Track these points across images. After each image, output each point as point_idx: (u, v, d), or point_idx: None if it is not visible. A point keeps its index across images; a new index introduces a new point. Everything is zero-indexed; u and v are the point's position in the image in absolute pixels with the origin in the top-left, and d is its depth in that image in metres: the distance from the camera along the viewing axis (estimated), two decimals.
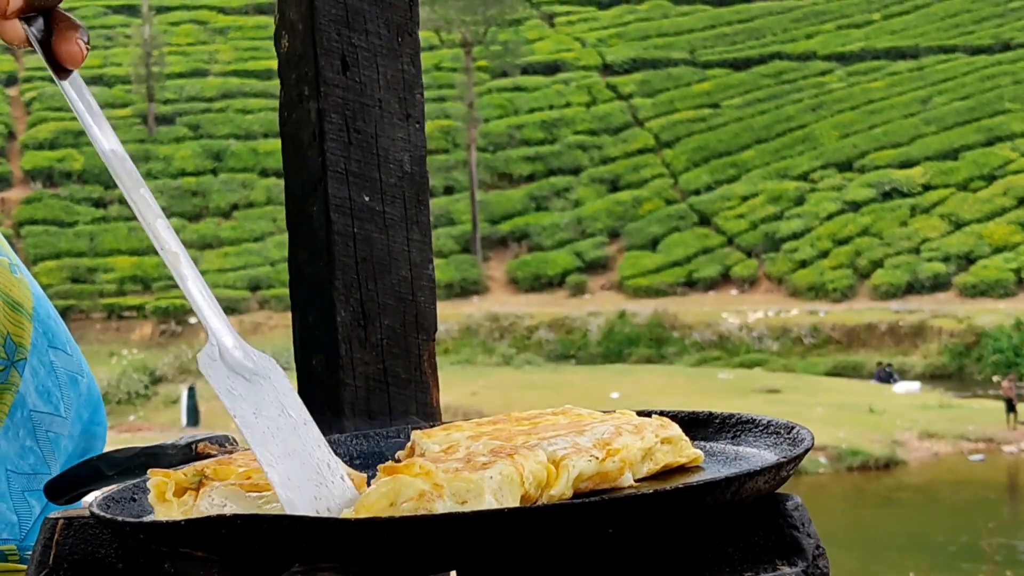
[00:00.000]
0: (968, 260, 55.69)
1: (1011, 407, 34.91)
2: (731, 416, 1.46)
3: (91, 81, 71.47)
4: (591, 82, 74.24)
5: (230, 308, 56.05)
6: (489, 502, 1.17)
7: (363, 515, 1.15)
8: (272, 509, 1.22)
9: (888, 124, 67.36)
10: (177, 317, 55.65)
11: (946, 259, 55.64)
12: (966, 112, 67.26)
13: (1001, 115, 66.45)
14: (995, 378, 41.94)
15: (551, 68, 75.54)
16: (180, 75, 72.85)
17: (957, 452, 32.67)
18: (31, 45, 1.39)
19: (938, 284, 54.52)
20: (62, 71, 1.40)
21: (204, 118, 69.55)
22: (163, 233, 1.38)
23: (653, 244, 61.29)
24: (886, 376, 44.00)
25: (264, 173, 64.88)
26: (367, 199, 1.74)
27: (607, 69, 76.04)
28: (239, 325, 54.10)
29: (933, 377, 45.10)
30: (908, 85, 71.73)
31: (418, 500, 1.15)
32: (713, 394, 38.28)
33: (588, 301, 56.36)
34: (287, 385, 1.34)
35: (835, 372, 46.35)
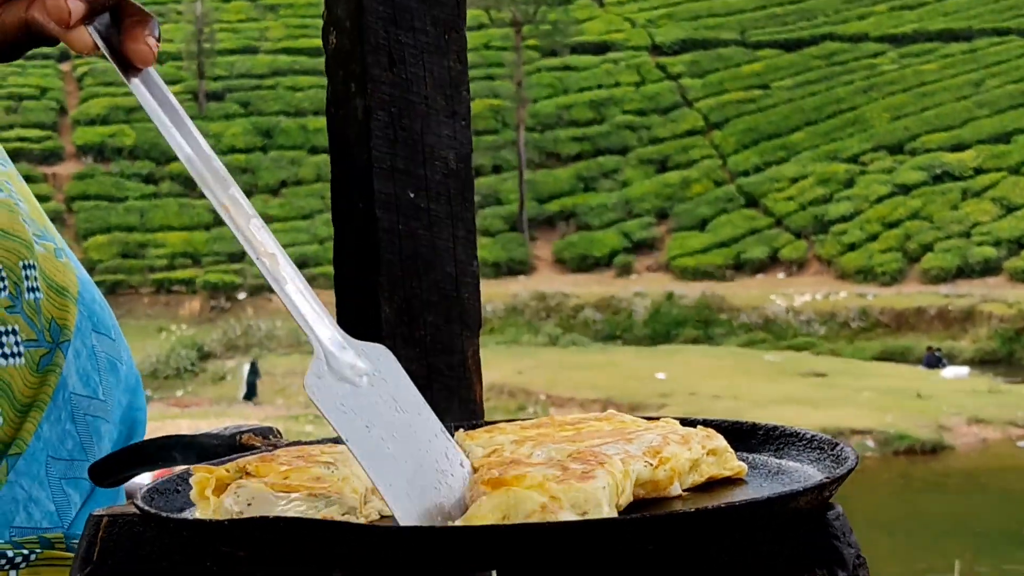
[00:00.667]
0: (1019, 244, 55.21)
1: None
2: (775, 428, 1.45)
3: None
4: (640, 62, 73.99)
5: None
6: (606, 510, 1.17)
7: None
8: (291, 510, 1.22)
9: (940, 107, 66.84)
10: (226, 293, 55.95)
11: (997, 243, 55.19)
12: (1019, 95, 66.65)
13: None
14: None
15: (601, 48, 75.32)
16: (231, 52, 73.11)
17: (1005, 438, 32.44)
18: (101, 52, 1.33)
19: (988, 268, 54.10)
20: (132, 70, 1.35)
21: (254, 95, 69.78)
22: (259, 235, 1.34)
23: (701, 225, 61.10)
24: (935, 361, 43.73)
25: (313, 150, 65.02)
26: (412, 196, 1.74)
27: (656, 49, 75.75)
28: None
29: (982, 362, 44.80)
30: (961, 67, 71.14)
31: (541, 513, 1.13)
32: (759, 377, 38.17)
33: (635, 281, 56.26)
34: (399, 374, 1.32)
35: (883, 356, 46.08)
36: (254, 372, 41.75)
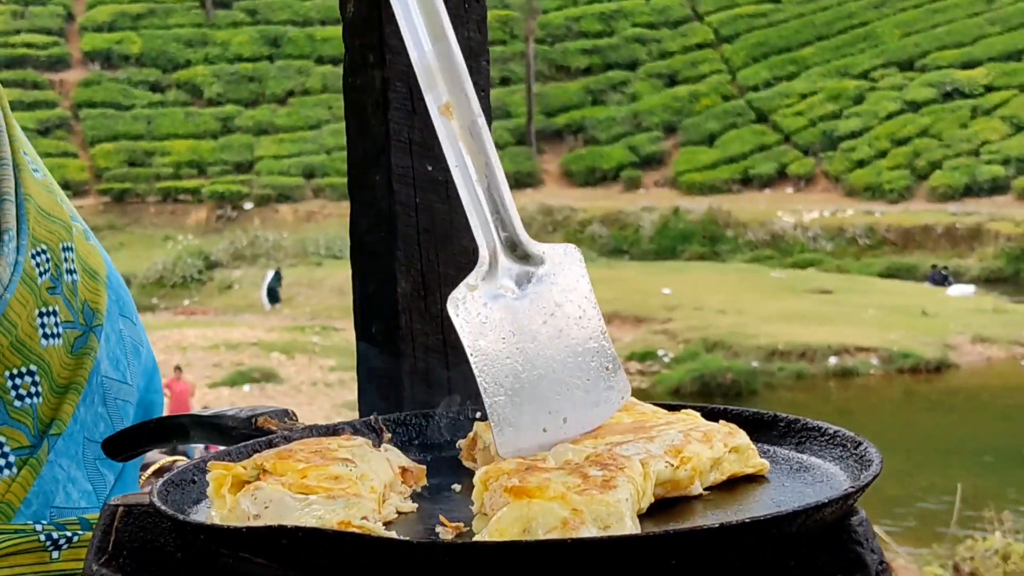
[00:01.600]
0: None
1: None
2: (796, 420, 1.44)
3: None
4: None
5: (284, 195, 56.25)
6: (628, 524, 1.15)
7: (496, 539, 1.13)
8: (308, 515, 1.20)
9: (951, 23, 66.30)
10: (233, 203, 55.91)
11: (1006, 162, 54.96)
12: None
13: None
14: None
15: None
16: None
17: (1010, 357, 32.48)
18: None
19: (996, 187, 53.92)
20: None
21: (261, 3, 69.30)
22: (473, 138, 1.36)
23: (709, 140, 60.90)
24: (940, 279, 43.72)
25: (321, 60, 64.67)
26: (430, 169, 1.72)
27: None
28: (293, 213, 54.36)
29: (988, 281, 44.78)
30: None
31: (562, 528, 1.12)
32: (765, 293, 38.20)
33: (642, 196, 56.16)
34: (574, 277, 1.37)
35: (889, 274, 46.08)
36: (277, 278, 42.06)
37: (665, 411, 1.44)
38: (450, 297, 1.31)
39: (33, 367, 1.72)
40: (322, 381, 28.41)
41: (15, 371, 1.70)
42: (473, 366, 1.29)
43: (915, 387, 29.68)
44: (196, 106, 62.94)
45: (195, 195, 56.42)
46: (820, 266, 47.17)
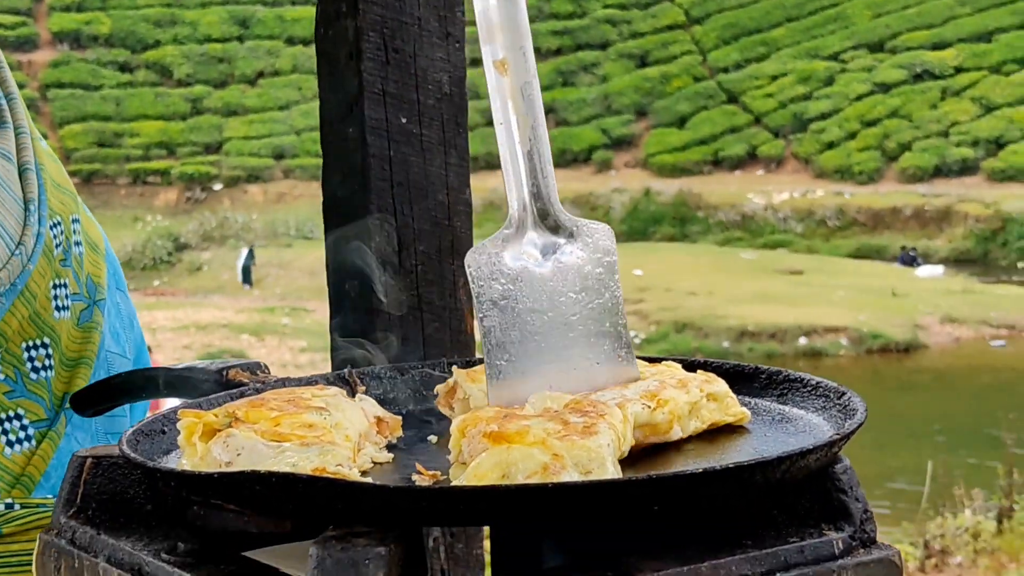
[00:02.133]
0: (997, 145, 55.17)
1: None
2: (778, 372, 1.42)
3: None
4: None
5: (254, 176, 56.07)
6: (610, 468, 1.13)
7: (474, 483, 1.11)
8: (282, 462, 1.18)
9: (921, 5, 66.40)
10: (202, 184, 55.69)
11: (975, 143, 55.14)
12: None
13: None
14: (1020, 264, 41.85)
15: None
16: None
17: (979, 337, 32.62)
18: None
19: (966, 168, 54.10)
20: None
21: None
22: (523, 99, 1.33)
23: (680, 122, 60.90)
24: (910, 260, 43.88)
25: (291, 41, 64.38)
26: (404, 121, 1.69)
27: None
28: (263, 194, 54.19)
29: (957, 262, 44.94)
30: None
31: (543, 473, 1.10)
32: (735, 274, 38.26)
33: (613, 178, 56.17)
34: (602, 255, 1.35)
35: (859, 255, 46.22)
36: (251, 256, 41.97)
37: (647, 363, 1.41)
38: (469, 251, 1.29)
39: (47, 339, 1.71)
40: (292, 363, 28.32)
41: (31, 343, 1.69)
42: (479, 323, 1.27)
43: (884, 367, 29.79)
44: (165, 87, 62.62)
45: (164, 176, 56.17)
46: (790, 247, 47.27)
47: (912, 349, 31.32)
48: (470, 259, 1.29)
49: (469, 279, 1.28)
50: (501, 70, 1.33)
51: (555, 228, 1.34)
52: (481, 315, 1.27)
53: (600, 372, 1.32)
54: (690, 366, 1.42)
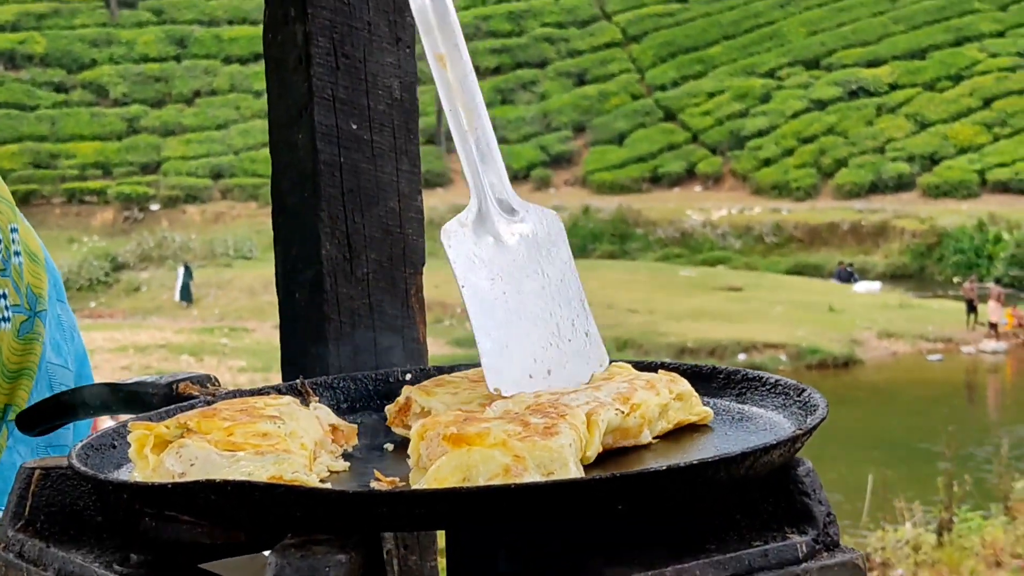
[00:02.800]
0: (932, 161, 55.75)
1: (971, 308, 35.13)
2: (737, 372, 1.41)
3: None
4: None
5: (192, 196, 55.76)
6: (572, 469, 1.12)
7: (435, 487, 1.09)
8: (237, 471, 1.15)
9: (856, 22, 67.03)
10: (139, 204, 55.32)
11: (910, 159, 55.69)
12: (935, 11, 66.96)
13: (970, 15, 66.19)
14: (956, 279, 42.22)
15: None
16: None
17: (916, 352, 32.90)
18: None
19: (902, 184, 54.61)
20: None
21: (167, 2, 68.60)
22: (465, 89, 1.39)
23: (619, 139, 61.12)
24: (847, 275, 44.20)
25: (228, 60, 64.13)
26: (355, 127, 1.67)
27: None
28: (201, 214, 53.88)
29: (894, 277, 45.33)
30: None
31: (504, 475, 1.09)
32: (675, 291, 38.40)
33: (552, 196, 56.24)
34: (557, 242, 1.38)
35: (796, 271, 46.54)
36: (188, 274, 41.74)
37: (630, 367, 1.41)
38: (443, 228, 1.33)
39: None
40: (232, 383, 27.93)
41: None
42: (464, 298, 1.31)
43: (823, 382, 29.87)
44: (102, 106, 62.19)
45: (101, 196, 55.77)
46: (729, 264, 47.52)
47: (850, 364, 31.55)
48: (444, 239, 1.33)
49: (449, 257, 1.31)
50: (442, 64, 1.38)
51: (510, 211, 1.37)
52: (465, 293, 1.31)
53: (574, 352, 1.35)
54: (649, 368, 1.41)
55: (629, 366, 1.40)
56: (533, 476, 1.09)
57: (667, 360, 1.43)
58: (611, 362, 1.42)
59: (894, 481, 16.49)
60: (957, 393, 29.46)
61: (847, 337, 32.68)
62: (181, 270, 42.37)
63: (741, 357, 30.61)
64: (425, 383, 1.39)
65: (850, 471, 19.59)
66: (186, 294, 41.25)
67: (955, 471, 14.20)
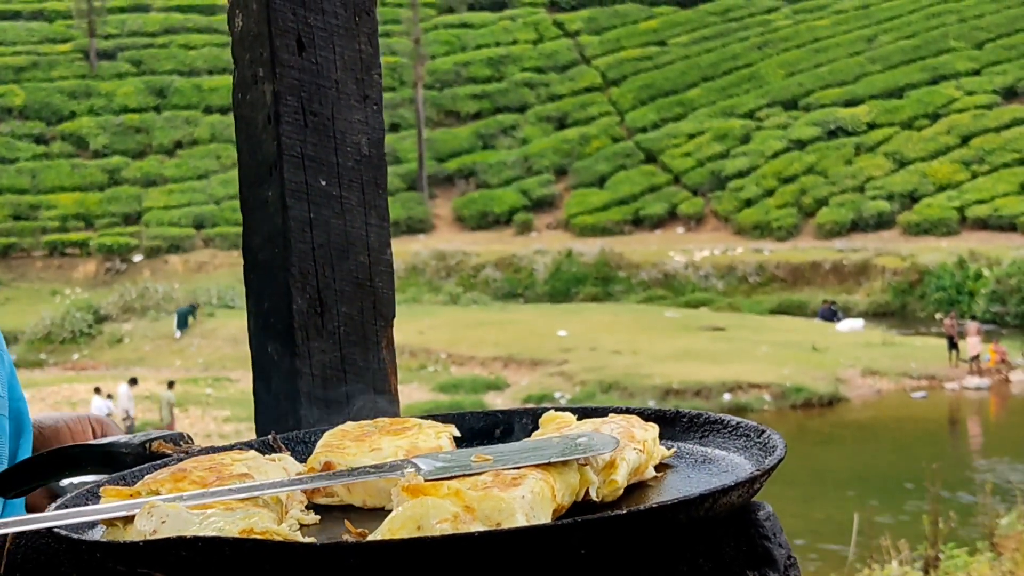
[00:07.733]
0: (912, 199, 55.96)
1: (953, 345, 35.19)
2: (699, 415, 1.43)
3: (32, 16, 70.60)
4: (538, 19, 73.89)
5: (174, 246, 55.69)
6: (520, 521, 1.14)
7: (388, 537, 1.11)
8: (208, 527, 1.17)
9: (833, 62, 67.42)
10: (121, 255, 55.24)
11: (890, 197, 55.89)
12: (911, 51, 67.40)
13: (946, 54, 66.63)
14: (937, 316, 42.28)
15: (498, 4, 75.11)
16: (122, 10, 71.92)
17: (899, 389, 32.94)
18: None
19: (882, 222, 54.78)
20: None
21: (147, 53, 68.74)
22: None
23: (600, 182, 61.25)
24: (830, 314, 44.27)
25: (208, 110, 64.21)
26: (324, 183, 1.69)
27: (554, 6, 75.69)
28: (183, 264, 53.80)
29: (876, 315, 45.40)
30: (854, 23, 71.76)
31: (453, 523, 1.11)
32: (659, 332, 38.41)
33: (535, 239, 56.34)
34: None
35: (780, 310, 46.60)
36: (192, 309, 42.36)
37: (570, 414, 1.43)
38: None
39: None
40: (217, 432, 28.07)
41: None
42: None
43: (808, 421, 29.96)
44: (82, 158, 62.20)
45: (83, 248, 55.68)
46: (712, 305, 47.57)
47: (835, 402, 31.56)
48: None
49: None
50: None
51: None
52: None
53: None
54: (596, 413, 1.44)
55: (573, 417, 1.43)
56: (478, 526, 1.12)
57: (632, 406, 1.45)
58: (551, 409, 1.45)
59: (881, 519, 16.50)
60: (941, 430, 29.49)
61: (831, 376, 32.73)
62: (186, 307, 43.09)
63: (726, 397, 30.62)
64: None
65: (837, 510, 19.59)
66: (183, 323, 41.64)
67: (941, 508, 14.19)
